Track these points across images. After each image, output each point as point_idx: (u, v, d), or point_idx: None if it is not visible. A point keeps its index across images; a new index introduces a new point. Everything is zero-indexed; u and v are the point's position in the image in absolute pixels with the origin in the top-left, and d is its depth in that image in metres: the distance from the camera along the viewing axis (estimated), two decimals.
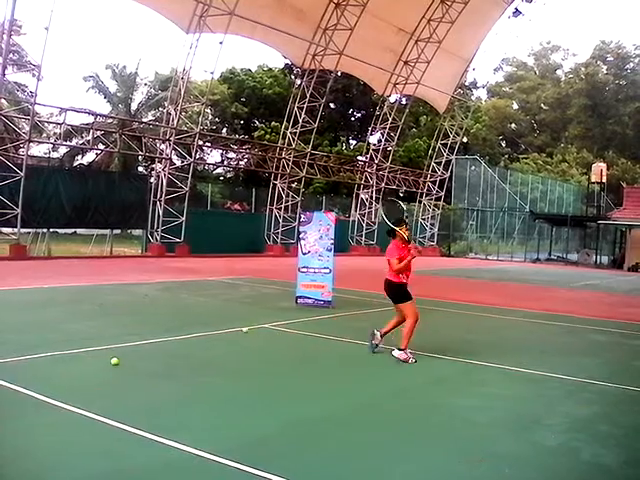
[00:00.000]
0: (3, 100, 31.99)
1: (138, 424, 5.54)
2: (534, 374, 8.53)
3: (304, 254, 14.11)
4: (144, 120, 45.92)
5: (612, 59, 74.63)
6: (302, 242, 14.22)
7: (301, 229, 14.62)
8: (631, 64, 74.95)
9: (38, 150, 43.90)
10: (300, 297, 14.09)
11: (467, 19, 38.10)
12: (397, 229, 9.03)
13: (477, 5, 37.80)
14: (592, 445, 5.80)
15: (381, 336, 9.16)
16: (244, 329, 10.76)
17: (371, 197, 41.94)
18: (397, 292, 8.97)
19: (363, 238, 41.43)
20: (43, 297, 13.90)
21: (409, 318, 8.84)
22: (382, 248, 41.26)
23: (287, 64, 52.15)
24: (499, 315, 14.45)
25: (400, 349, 8.81)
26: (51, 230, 28.39)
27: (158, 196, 29.84)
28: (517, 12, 39.18)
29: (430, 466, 5.15)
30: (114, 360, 7.68)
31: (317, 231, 13.98)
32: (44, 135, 39.32)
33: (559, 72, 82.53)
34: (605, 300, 20.03)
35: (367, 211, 41.69)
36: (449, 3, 37.43)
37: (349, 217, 41.84)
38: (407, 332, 8.82)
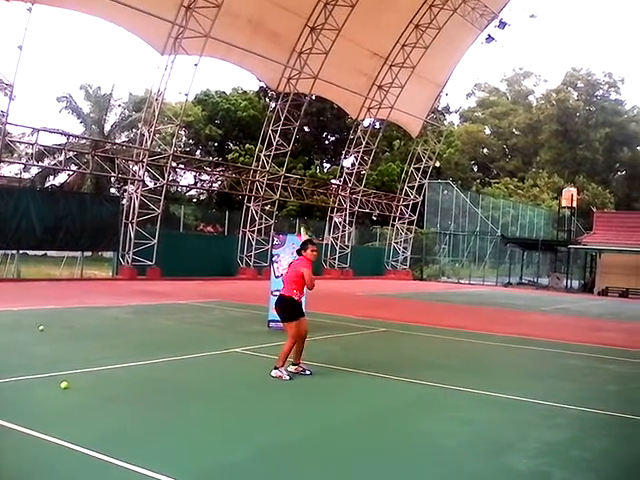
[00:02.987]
0: None
1: (104, 450, 5.42)
2: (506, 398, 8.52)
3: (277, 277, 14.01)
4: (117, 141, 45.65)
5: (582, 86, 76.04)
6: (275, 265, 14.15)
7: (274, 252, 14.58)
8: (600, 91, 76.46)
9: (9, 170, 43.40)
10: (272, 321, 13.96)
11: (441, 45, 38.63)
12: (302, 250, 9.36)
13: (451, 31, 38.34)
14: (563, 470, 5.80)
15: (294, 364, 9.22)
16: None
17: (344, 220, 42.03)
18: (288, 308, 9.06)
19: (336, 261, 41.40)
20: (10, 320, 13.65)
21: (289, 338, 9.01)
22: (355, 271, 41.44)
23: (262, 87, 52.35)
24: (472, 339, 14.47)
25: (276, 367, 8.96)
26: (21, 252, 28.00)
27: (130, 218, 29.57)
28: (490, 38, 39.76)
29: None
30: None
31: (290, 254, 13.89)
32: (15, 155, 38.90)
33: (531, 98, 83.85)
34: (576, 324, 20.20)
35: (340, 234, 41.74)
36: (423, 29, 37.90)
37: (322, 240, 41.82)
38: (284, 353, 8.99)
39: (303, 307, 9.48)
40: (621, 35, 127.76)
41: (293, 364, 9.20)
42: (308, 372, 9.19)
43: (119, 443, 5.78)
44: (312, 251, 9.28)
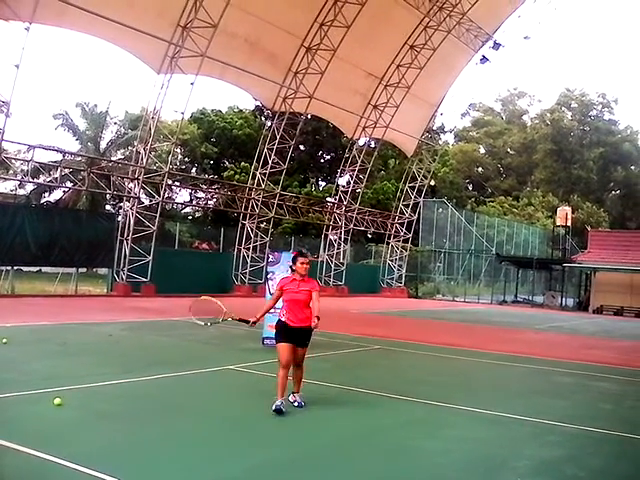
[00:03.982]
0: None
1: (97, 466, 5.41)
2: (500, 416, 8.52)
3: (272, 294, 14.01)
4: (113, 159, 45.73)
5: (576, 106, 76.55)
6: (270, 282, 14.15)
7: (269, 269, 14.58)
8: (594, 111, 76.98)
9: (4, 187, 43.58)
10: (267, 338, 13.96)
11: (435, 65, 38.96)
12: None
13: (445, 52, 38.69)
14: None
15: (293, 393, 8.45)
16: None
17: (340, 238, 42.07)
18: (275, 329, 8.58)
19: (332, 279, 41.37)
20: (4, 336, 13.59)
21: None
22: (351, 289, 41.42)
23: (258, 106, 52.57)
24: (466, 357, 14.47)
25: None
26: (15, 268, 27.94)
27: (125, 235, 29.56)
28: (484, 59, 40.03)
29: None
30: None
31: (285, 271, 13.92)
32: (11, 172, 38.92)
33: (525, 117, 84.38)
34: (570, 342, 20.22)
35: (335, 252, 41.76)
36: (418, 49, 38.23)
37: (317, 258, 41.80)
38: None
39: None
40: (615, 56, 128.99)
41: (292, 392, 8.46)
42: (296, 404, 8.29)
43: (111, 460, 5.76)
44: (301, 264, 8.53)
